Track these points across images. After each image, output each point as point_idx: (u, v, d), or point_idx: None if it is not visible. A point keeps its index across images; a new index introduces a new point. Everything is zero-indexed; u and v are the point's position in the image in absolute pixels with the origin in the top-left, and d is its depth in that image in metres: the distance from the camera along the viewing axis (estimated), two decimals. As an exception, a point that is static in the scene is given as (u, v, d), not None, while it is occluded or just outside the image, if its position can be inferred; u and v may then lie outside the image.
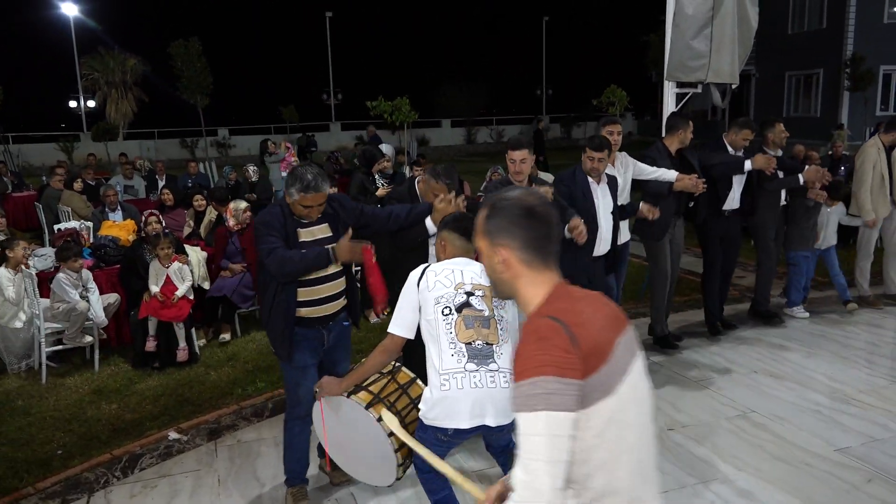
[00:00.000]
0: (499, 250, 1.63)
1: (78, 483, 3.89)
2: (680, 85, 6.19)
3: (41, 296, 5.59)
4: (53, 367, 5.57)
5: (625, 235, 5.26)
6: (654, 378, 5.12)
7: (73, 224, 7.79)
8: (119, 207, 8.21)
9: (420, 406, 2.78)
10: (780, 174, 5.78)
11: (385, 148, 7.18)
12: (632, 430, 1.55)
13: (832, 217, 6.37)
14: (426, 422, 2.73)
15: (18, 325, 5.55)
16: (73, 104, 31.58)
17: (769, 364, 5.32)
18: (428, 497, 2.97)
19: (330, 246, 3.25)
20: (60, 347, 5.60)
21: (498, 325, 2.78)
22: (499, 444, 2.97)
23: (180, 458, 4.16)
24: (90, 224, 7.79)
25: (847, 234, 7.61)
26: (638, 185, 5.34)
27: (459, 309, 2.74)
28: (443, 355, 2.69)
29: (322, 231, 3.43)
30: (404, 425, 2.83)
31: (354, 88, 37.79)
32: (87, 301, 5.56)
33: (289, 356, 3.39)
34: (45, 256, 6.13)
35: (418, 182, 4.23)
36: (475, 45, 47.27)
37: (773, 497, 3.56)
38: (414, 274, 2.89)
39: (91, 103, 30.03)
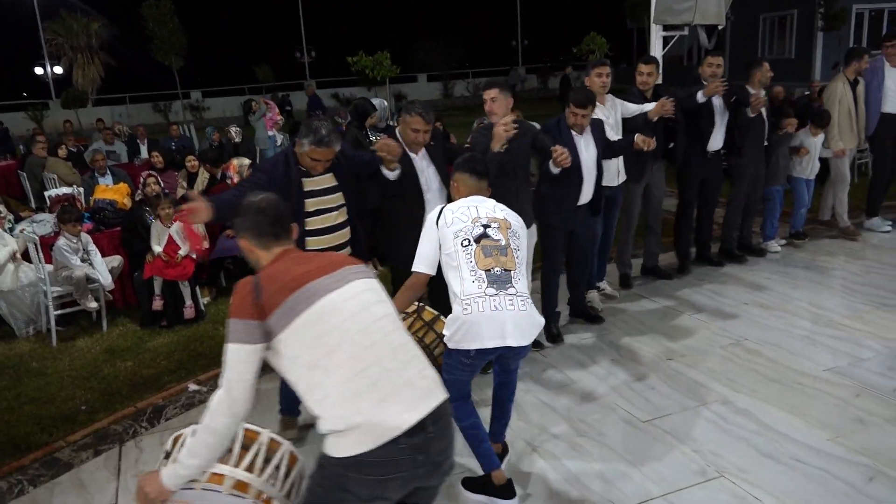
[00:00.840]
0: (242, 241, 2.27)
1: (107, 435, 4.03)
2: (667, 28, 6.28)
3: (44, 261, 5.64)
4: (61, 330, 5.65)
5: (619, 177, 5.29)
6: (648, 313, 5.36)
7: (66, 190, 7.76)
8: (108, 172, 8.18)
9: (444, 332, 2.94)
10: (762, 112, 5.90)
11: (377, 102, 7.15)
12: (335, 335, 2.00)
13: (817, 146, 6.53)
14: (450, 345, 2.91)
15: (22, 283, 5.60)
16: (39, 71, 30.69)
17: (757, 296, 5.56)
18: (456, 424, 3.14)
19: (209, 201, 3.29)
20: (68, 310, 5.67)
21: (514, 254, 2.95)
22: (510, 367, 3.18)
23: (203, 408, 4.29)
24: (81, 189, 7.77)
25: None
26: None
27: (478, 240, 2.92)
28: (464, 282, 2.87)
29: (328, 180, 3.55)
30: (433, 359, 3.00)
31: (328, 46, 37.14)
32: (91, 265, 5.63)
33: None
34: (44, 222, 6.15)
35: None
36: (448, -3, 46.45)
37: (770, 414, 3.81)
38: (433, 214, 3.08)
39: (58, 69, 29.22)
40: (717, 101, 5.64)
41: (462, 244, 2.92)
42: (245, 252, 2.30)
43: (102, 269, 5.68)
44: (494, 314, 2.82)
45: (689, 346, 4.73)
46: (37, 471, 3.70)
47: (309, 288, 2.04)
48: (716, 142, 5.79)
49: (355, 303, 2.09)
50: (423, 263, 3.03)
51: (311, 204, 3.53)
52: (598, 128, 4.76)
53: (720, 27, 6.33)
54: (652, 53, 6.39)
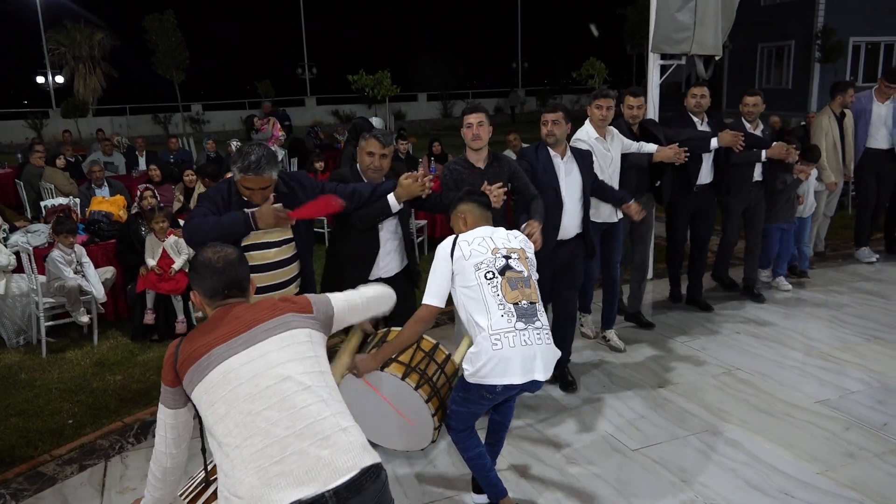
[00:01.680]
0: (192, 294, 2.25)
1: (93, 449, 4.00)
2: (664, 57, 6.34)
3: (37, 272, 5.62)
4: (52, 342, 5.62)
5: (616, 213, 4.89)
6: (640, 339, 5.35)
7: (62, 200, 7.76)
8: (105, 183, 8.18)
9: (465, 366, 2.87)
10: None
11: (375, 121, 7.20)
12: (225, 403, 1.93)
13: (812, 182, 6.46)
14: (473, 380, 2.84)
15: (14, 293, 5.58)
16: (40, 80, 30.78)
17: (749, 325, 5.57)
18: (462, 455, 3.14)
19: (250, 210, 3.10)
20: (59, 322, 5.65)
21: (535, 286, 2.94)
22: (515, 397, 3.15)
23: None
24: (77, 200, 7.77)
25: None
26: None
27: (502, 272, 2.88)
28: (492, 317, 2.81)
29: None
30: (435, 389, 2.98)
31: (329, 63, 37.41)
32: (84, 277, 5.62)
33: None
34: (38, 232, 6.15)
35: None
36: (450, 18, 46.93)
37: (759, 446, 3.80)
38: (445, 246, 3.00)
39: (59, 79, 29.33)
40: (704, 128, 5.54)
41: (486, 277, 2.87)
42: (195, 304, 2.27)
43: (95, 281, 5.67)
44: (525, 349, 2.79)
45: (681, 375, 4.73)
46: (20, 485, 3.66)
47: (207, 357, 2.00)
48: (703, 176, 5.64)
49: (252, 367, 1.98)
50: (435, 295, 2.95)
51: (252, 236, 3.21)
52: (585, 159, 4.46)
53: (717, 58, 6.38)
54: (650, 81, 6.45)
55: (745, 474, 3.53)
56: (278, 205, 3.14)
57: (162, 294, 5.66)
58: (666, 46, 6.14)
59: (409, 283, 4.00)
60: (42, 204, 7.79)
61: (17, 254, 5.75)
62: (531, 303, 2.87)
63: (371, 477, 1.86)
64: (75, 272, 5.61)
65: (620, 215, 4.94)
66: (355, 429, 1.97)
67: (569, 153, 4.41)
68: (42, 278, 5.59)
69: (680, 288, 6.15)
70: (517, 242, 3.05)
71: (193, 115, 28.34)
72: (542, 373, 2.84)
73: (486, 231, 3.06)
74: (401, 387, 2.94)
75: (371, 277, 3.71)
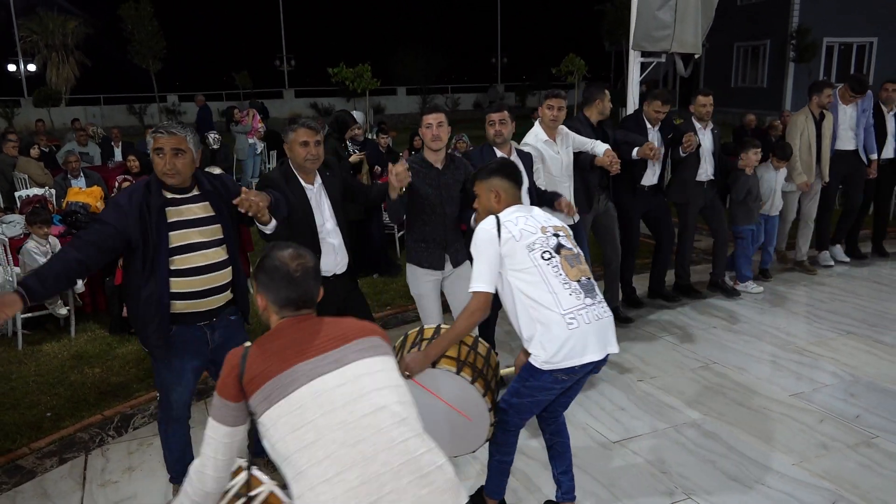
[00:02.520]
0: (258, 297, 2.06)
1: (73, 442, 3.96)
2: (645, 54, 6.41)
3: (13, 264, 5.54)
4: (27, 334, 5.55)
5: (564, 218, 4.57)
6: (621, 336, 5.37)
7: (37, 191, 7.64)
8: (81, 174, 8.07)
9: (536, 353, 2.73)
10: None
11: (357, 115, 7.18)
12: (316, 427, 1.76)
13: (780, 181, 6.45)
14: (548, 366, 2.71)
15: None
16: (11, 68, 30.16)
17: (725, 320, 5.67)
18: (498, 457, 3.03)
19: (20, 284, 2.70)
20: (35, 314, 5.57)
21: (586, 260, 2.89)
22: (568, 401, 3.10)
23: (172, 417, 4.24)
24: (52, 191, 7.66)
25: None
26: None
27: (557, 250, 2.80)
28: (559, 296, 2.71)
29: (201, 210, 3.03)
30: (487, 383, 2.87)
31: (308, 55, 37.14)
32: (61, 267, 5.54)
33: (165, 357, 3.04)
34: (13, 223, 6.05)
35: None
36: (430, 12, 46.87)
37: (737, 437, 3.88)
38: (487, 228, 2.83)
39: (32, 67, 28.77)
40: (652, 136, 5.55)
41: (543, 257, 2.76)
42: (258, 306, 2.08)
43: (73, 273, 5.59)
44: (598, 324, 2.74)
45: (659, 368, 4.81)
46: (-2, 478, 3.62)
47: (293, 372, 1.82)
48: (648, 177, 5.67)
49: (345, 391, 1.82)
50: (488, 282, 2.79)
51: (176, 238, 2.95)
52: (527, 160, 4.39)
53: (696, 56, 6.47)
54: (630, 78, 6.53)
55: (723, 466, 3.61)
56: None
57: (141, 286, 5.60)
58: (647, 44, 6.22)
59: (353, 281, 3.92)
60: (17, 194, 7.66)
61: (-9, 245, 5.66)
62: (588, 278, 2.82)
63: None
64: (52, 264, 5.53)
65: (577, 217, 4.77)
66: (448, 465, 1.85)
67: (514, 154, 4.36)
68: (17, 270, 5.51)
69: (633, 289, 6.08)
70: (556, 220, 2.96)
71: (169, 106, 27.97)
72: (615, 345, 2.82)
73: (524, 210, 2.94)
74: (456, 382, 2.81)
75: (325, 274, 3.53)
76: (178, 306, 2.99)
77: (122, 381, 4.75)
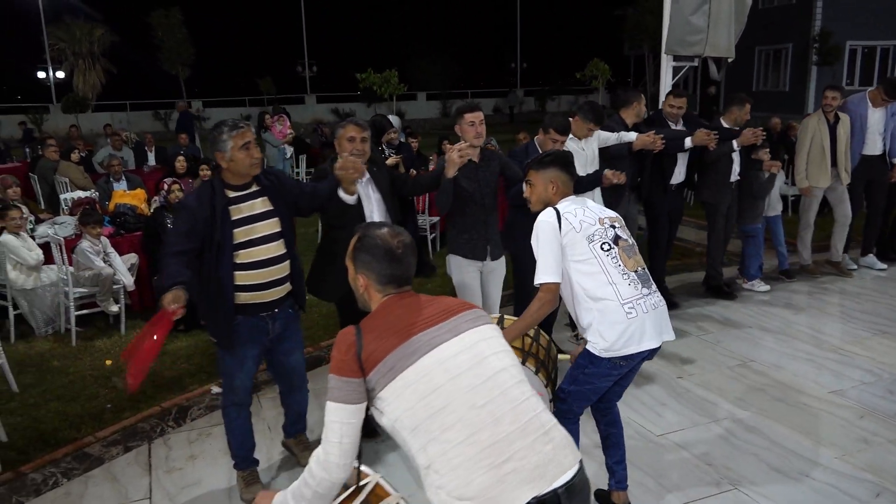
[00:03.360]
0: (360, 276, 2.05)
1: (135, 432, 4.13)
2: (677, 58, 6.51)
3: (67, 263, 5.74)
4: (80, 331, 5.74)
5: None
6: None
7: (81, 194, 7.86)
8: (123, 177, 8.30)
9: (594, 341, 2.81)
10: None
11: (393, 120, 7.33)
12: (442, 395, 1.79)
13: (776, 184, 6.40)
14: (607, 354, 2.80)
15: (43, 283, 5.71)
16: (41, 75, 30.77)
17: (760, 320, 5.74)
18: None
19: (171, 285, 2.95)
20: (86, 312, 5.77)
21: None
22: (623, 388, 3.17)
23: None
24: (96, 194, 7.88)
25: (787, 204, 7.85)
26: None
27: (616, 241, 2.88)
28: (619, 287, 2.81)
29: (261, 205, 3.21)
30: (549, 375, 2.98)
31: (329, 61, 37.50)
32: (112, 266, 5.75)
33: (231, 345, 3.23)
34: (65, 224, 6.26)
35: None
36: (450, 17, 47.10)
37: (778, 431, 3.97)
38: (548, 220, 2.89)
39: (60, 74, 29.35)
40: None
41: (602, 248, 2.85)
42: (356, 286, 2.08)
43: (123, 270, 5.81)
44: (655, 313, 2.86)
45: (698, 366, 4.90)
46: (69, 464, 3.79)
47: (413, 343, 1.84)
48: (677, 176, 5.83)
49: (466, 357, 1.85)
50: (554, 273, 2.86)
51: (239, 234, 3.13)
52: None
53: (730, 60, 6.56)
54: (662, 82, 6.62)
55: (767, 458, 3.70)
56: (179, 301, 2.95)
57: (188, 285, 5.78)
58: (679, 48, 6.32)
59: None
60: (63, 197, 7.88)
61: (43, 245, 5.87)
62: (643, 268, 2.93)
63: (584, 478, 1.86)
64: (103, 262, 5.74)
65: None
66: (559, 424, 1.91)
67: None
68: (71, 269, 5.71)
69: (665, 289, 6.11)
70: (611, 211, 3.04)
71: (194, 112, 28.36)
72: (671, 333, 2.93)
73: (579, 201, 3.00)
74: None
75: None
76: (242, 298, 3.17)
77: (176, 375, 4.92)
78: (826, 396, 4.39)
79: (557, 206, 2.96)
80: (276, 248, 3.23)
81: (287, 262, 3.28)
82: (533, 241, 2.93)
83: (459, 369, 1.82)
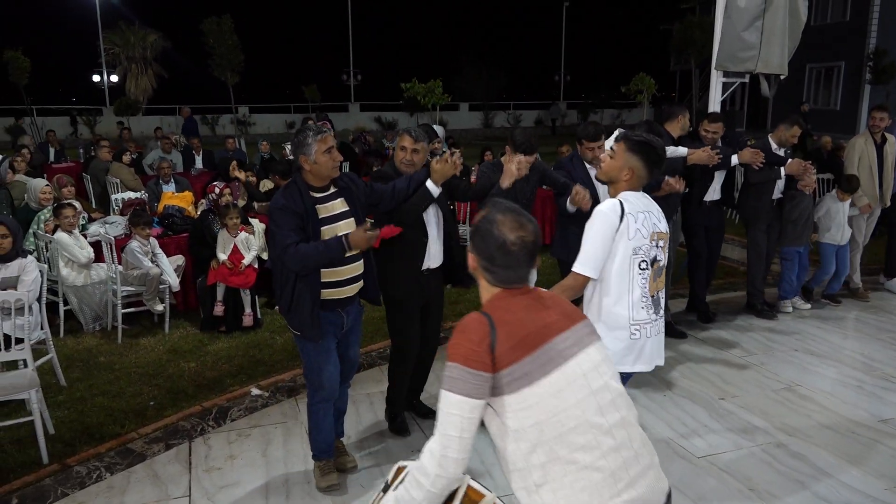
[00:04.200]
0: (470, 257, 1.93)
1: (177, 430, 4.21)
2: (727, 74, 6.41)
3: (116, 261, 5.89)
4: (126, 329, 5.88)
5: None
6: (697, 352, 5.42)
7: (132, 194, 8.07)
8: (172, 179, 8.50)
9: None
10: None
11: (437, 130, 7.37)
12: (572, 414, 1.71)
13: (845, 211, 6.33)
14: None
15: (93, 280, 5.86)
16: (96, 78, 31.78)
17: (807, 343, 5.59)
18: None
19: (343, 234, 3.19)
20: (133, 310, 5.90)
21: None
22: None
23: (266, 412, 4.46)
24: (146, 195, 8.08)
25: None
26: None
27: (653, 262, 2.87)
28: (634, 307, 2.83)
29: (340, 205, 3.39)
30: None
31: (374, 70, 37.92)
32: (159, 267, 5.88)
33: (319, 336, 3.36)
34: (115, 224, 6.43)
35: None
36: (494, 29, 47.28)
37: (825, 459, 3.85)
38: (610, 213, 2.83)
39: (114, 78, 30.28)
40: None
41: (640, 266, 2.83)
42: (475, 271, 1.93)
43: (169, 270, 5.93)
44: (656, 339, 2.91)
45: (741, 388, 4.79)
46: (112, 459, 3.88)
47: (547, 350, 1.73)
48: (712, 193, 5.75)
49: (594, 377, 1.77)
50: (592, 267, 2.83)
51: (326, 232, 3.30)
52: None
53: (782, 77, 6.44)
54: (711, 98, 6.53)
55: (813, 487, 3.59)
56: (372, 232, 3.18)
57: (231, 287, 5.88)
58: (730, 64, 6.23)
59: (442, 279, 4.14)
60: (114, 197, 8.10)
61: (93, 244, 6.04)
62: (660, 291, 2.94)
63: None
64: (151, 262, 5.87)
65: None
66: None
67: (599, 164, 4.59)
68: (120, 268, 5.86)
69: (708, 308, 6.10)
70: (663, 225, 2.96)
71: (240, 118, 28.96)
72: (661, 358, 2.97)
73: (645, 204, 2.91)
74: None
75: (423, 268, 3.91)
76: (327, 293, 3.36)
77: (216, 376, 5.00)
78: (875, 425, 4.24)
79: (624, 200, 2.86)
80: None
81: (362, 261, 3.47)
82: (587, 226, 2.88)
83: (589, 389, 1.75)
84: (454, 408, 1.71)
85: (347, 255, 3.23)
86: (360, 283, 3.53)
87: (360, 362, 5.05)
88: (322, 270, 3.29)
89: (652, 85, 20.40)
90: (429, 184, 3.64)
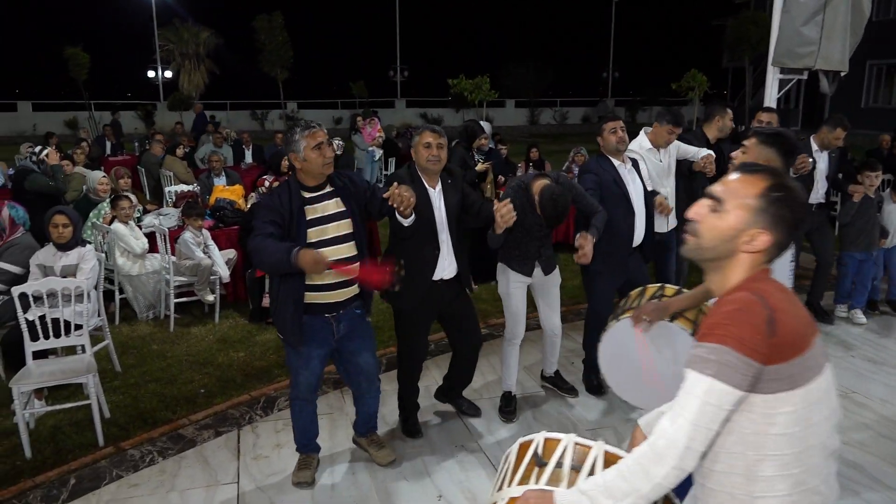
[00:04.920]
0: (760, 233, 1.62)
1: (225, 418, 4.30)
2: (784, 71, 6.24)
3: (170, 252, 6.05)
4: (177, 318, 6.03)
5: (667, 223, 4.87)
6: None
7: (184, 187, 8.27)
8: (223, 173, 8.67)
9: None
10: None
11: (484, 126, 7.34)
12: (815, 432, 1.57)
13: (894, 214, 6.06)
14: None
15: (147, 270, 6.03)
16: (151, 74, 32.67)
17: (865, 350, 5.41)
18: None
19: (296, 247, 2.95)
20: (184, 300, 6.05)
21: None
22: None
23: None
24: (198, 188, 8.27)
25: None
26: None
27: None
28: None
29: (334, 206, 3.24)
30: None
31: (421, 66, 38.06)
32: (210, 258, 6.02)
33: (298, 343, 3.28)
34: (169, 215, 6.60)
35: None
36: (542, 25, 46.97)
37: (881, 469, 3.72)
38: None
39: (168, 74, 31.08)
40: None
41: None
42: (726, 240, 1.63)
43: (220, 262, 6.06)
44: None
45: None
46: (164, 444, 3.99)
47: (812, 355, 1.57)
48: (816, 195, 5.53)
49: (833, 394, 1.63)
50: None
51: (312, 234, 3.17)
52: (636, 164, 4.46)
53: (843, 74, 6.23)
54: (767, 95, 6.36)
55: (869, 497, 3.48)
56: (325, 258, 2.97)
57: (280, 279, 5.97)
58: (788, 60, 6.05)
59: (460, 285, 3.90)
60: (167, 189, 8.32)
61: (148, 235, 6.21)
62: None
63: None
64: (203, 253, 6.02)
65: (673, 224, 4.89)
66: None
67: (628, 161, 4.40)
68: (174, 258, 6.01)
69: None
70: None
71: (289, 113, 29.41)
72: None
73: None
74: (686, 341, 2.85)
75: (435, 278, 3.73)
76: (309, 297, 3.24)
77: (264, 366, 5.09)
78: (938, 436, 4.08)
79: None
80: (347, 250, 3.27)
81: (357, 265, 3.24)
82: None
83: (830, 407, 1.61)
84: (714, 397, 1.49)
85: (346, 252, 3.18)
86: (353, 289, 3.35)
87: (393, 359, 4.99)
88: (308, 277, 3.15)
89: (704, 82, 19.96)
90: (398, 217, 3.32)
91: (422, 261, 3.69)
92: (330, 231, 3.22)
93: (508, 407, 4.34)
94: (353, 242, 3.29)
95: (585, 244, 3.83)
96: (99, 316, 4.71)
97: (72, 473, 3.70)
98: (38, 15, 54.57)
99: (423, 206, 3.55)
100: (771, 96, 6.33)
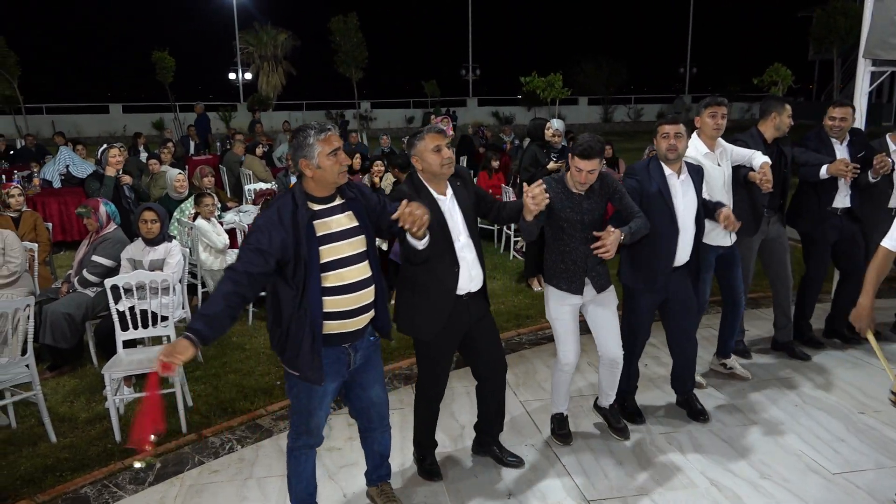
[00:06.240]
0: None
1: (300, 410, 4.42)
2: (877, 63, 5.92)
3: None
4: (255, 311, 6.24)
5: (730, 235, 4.41)
6: (834, 361, 5.06)
7: (263, 185, 8.55)
8: (299, 172, 8.90)
9: None
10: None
11: (556, 123, 7.27)
12: None
13: None
14: None
15: (228, 265, 6.24)
16: (231, 76, 33.90)
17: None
18: None
19: (191, 329, 2.58)
20: (263, 294, 6.22)
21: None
22: None
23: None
24: (276, 186, 8.53)
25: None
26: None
27: None
28: None
29: (347, 220, 2.85)
30: None
31: (493, 64, 38.05)
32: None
33: (320, 380, 2.83)
34: (249, 213, 6.83)
35: None
36: (616, 20, 46.13)
37: (983, 487, 3.49)
38: None
39: (248, 75, 32.19)
40: (841, 151, 4.91)
41: None
42: None
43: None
44: None
45: (884, 402, 4.41)
46: (243, 433, 4.14)
47: None
48: (840, 199, 4.99)
49: None
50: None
51: (325, 253, 2.77)
52: (698, 174, 3.99)
53: (943, 65, 5.86)
54: (858, 88, 6.05)
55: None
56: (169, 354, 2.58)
57: (353, 276, 6.08)
58: (881, 52, 5.73)
59: (486, 301, 3.53)
60: (247, 188, 8.61)
61: (228, 231, 6.44)
62: None
63: None
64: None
65: (734, 238, 4.47)
66: None
67: (685, 171, 3.92)
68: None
69: (809, 326, 5.39)
70: None
71: (362, 113, 29.95)
72: None
73: None
74: None
75: (460, 292, 3.31)
76: (329, 326, 2.83)
77: (338, 360, 5.20)
78: None
79: None
80: (363, 270, 2.89)
81: (373, 287, 2.93)
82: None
83: None
84: None
85: (365, 272, 2.86)
86: (372, 314, 2.97)
87: (409, 373, 4.87)
88: (325, 298, 2.77)
89: (788, 76, 19.10)
90: (410, 239, 2.99)
91: (439, 282, 3.27)
92: (344, 249, 2.82)
93: (562, 430, 4.01)
94: (367, 262, 2.91)
95: (608, 238, 3.42)
96: (183, 308, 4.92)
97: (158, 458, 3.88)
98: (127, 22, 57.60)
99: (435, 221, 3.08)
100: (862, 90, 6.02)
